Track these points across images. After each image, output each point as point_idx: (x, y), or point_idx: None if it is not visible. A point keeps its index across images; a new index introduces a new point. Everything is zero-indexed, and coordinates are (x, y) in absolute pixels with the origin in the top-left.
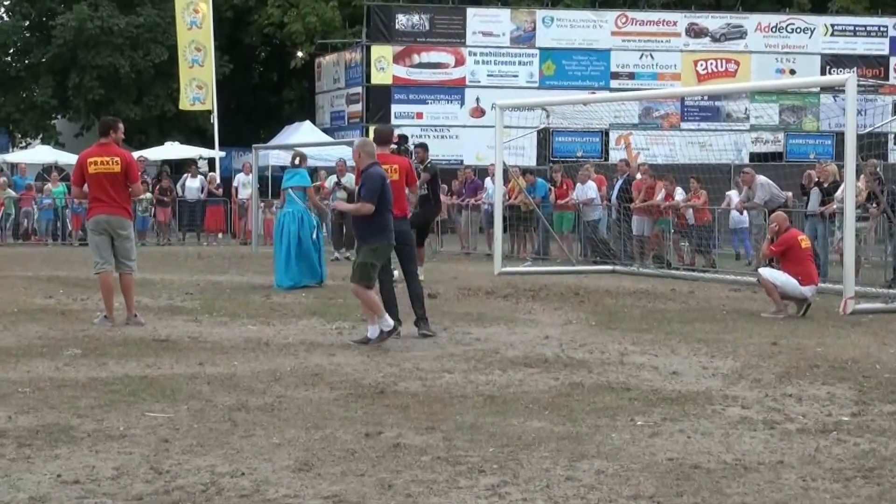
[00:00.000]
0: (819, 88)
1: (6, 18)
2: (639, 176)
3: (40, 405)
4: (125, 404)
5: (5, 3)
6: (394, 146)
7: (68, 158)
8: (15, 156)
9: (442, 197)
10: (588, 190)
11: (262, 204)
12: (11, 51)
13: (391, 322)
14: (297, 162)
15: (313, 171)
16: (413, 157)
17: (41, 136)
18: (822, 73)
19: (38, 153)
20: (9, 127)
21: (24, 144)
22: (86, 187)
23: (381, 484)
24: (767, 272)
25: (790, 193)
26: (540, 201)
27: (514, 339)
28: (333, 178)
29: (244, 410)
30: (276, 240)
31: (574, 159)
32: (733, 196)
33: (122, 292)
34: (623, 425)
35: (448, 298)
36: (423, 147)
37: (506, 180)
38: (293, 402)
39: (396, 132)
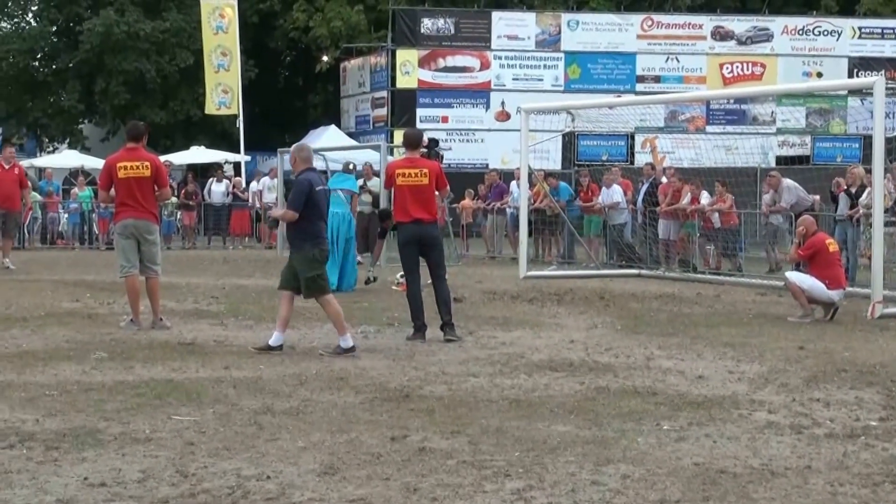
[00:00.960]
0: (846, 91)
1: (34, 24)
2: (664, 179)
3: (67, 408)
4: (151, 408)
5: (33, 8)
6: (423, 150)
7: (95, 163)
8: (42, 160)
9: (467, 201)
10: (613, 193)
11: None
12: (39, 56)
13: (351, 342)
14: (350, 168)
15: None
16: (441, 160)
17: (68, 140)
18: (850, 75)
19: (66, 158)
20: (36, 132)
21: (51, 149)
22: (112, 191)
23: (406, 488)
24: (794, 276)
25: (817, 197)
26: (564, 205)
27: (539, 343)
28: (359, 182)
29: (270, 414)
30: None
31: (599, 163)
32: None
33: (148, 296)
34: (649, 430)
35: (473, 302)
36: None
37: (531, 184)
38: (318, 406)
39: (426, 136)
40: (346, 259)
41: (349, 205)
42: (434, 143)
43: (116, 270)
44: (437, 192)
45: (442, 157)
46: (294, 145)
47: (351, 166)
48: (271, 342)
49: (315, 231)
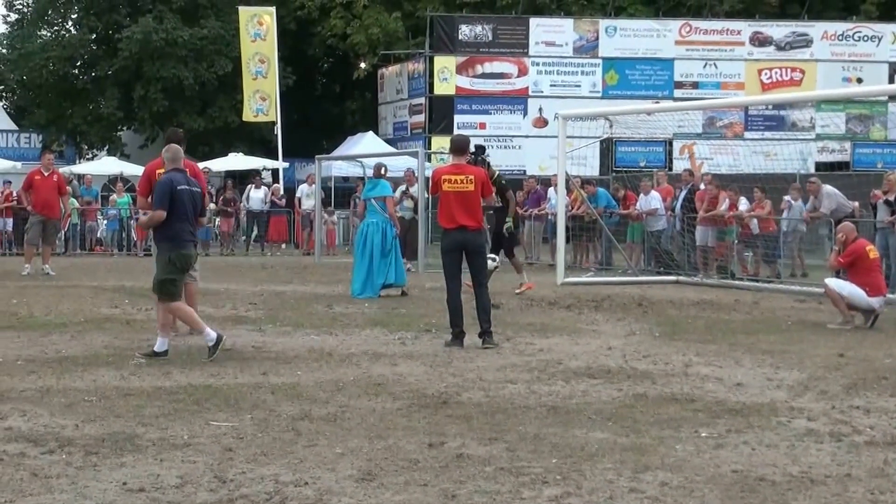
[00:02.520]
0: (887, 97)
1: (73, 32)
2: (702, 186)
3: (106, 414)
4: (189, 413)
5: (72, 16)
6: (470, 156)
7: (134, 169)
8: (82, 167)
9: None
10: (651, 200)
11: (325, 214)
12: (78, 63)
13: (213, 335)
14: (381, 172)
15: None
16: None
17: (107, 147)
18: (891, 81)
19: (104, 164)
20: (76, 139)
21: (90, 156)
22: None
23: (444, 494)
24: (834, 282)
25: (857, 203)
26: (602, 211)
27: (577, 349)
28: (402, 188)
29: (307, 420)
30: (357, 249)
31: (637, 169)
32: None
33: (185, 301)
34: (687, 437)
35: (511, 309)
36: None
37: (568, 190)
38: (356, 412)
39: (473, 143)
40: (387, 260)
41: (385, 212)
42: (481, 149)
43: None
44: (482, 199)
45: (489, 163)
46: (165, 147)
47: (383, 170)
48: (156, 348)
49: (173, 233)
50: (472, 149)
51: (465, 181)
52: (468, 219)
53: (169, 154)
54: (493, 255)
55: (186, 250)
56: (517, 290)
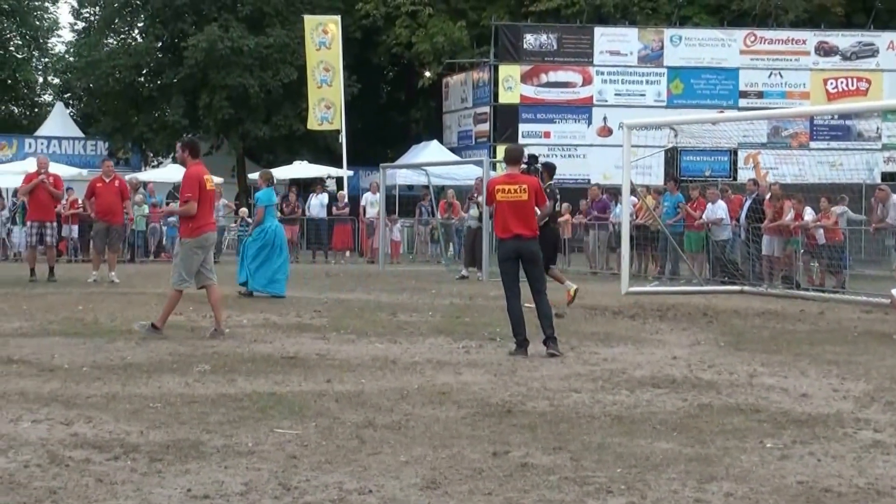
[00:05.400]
0: None
1: (140, 40)
2: (768, 196)
3: (171, 420)
4: (254, 420)
5: (139, 24)
6: (524, 166)
7: None
8: (147, 174)
9: (566, 215)
10: (717, 209)
11: (389, 222)
12: (144, 72)
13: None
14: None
15: (440, 190)
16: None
17: (172, 154)
18: None
19: (169, 172)
20: (141, 146)
21: (155, 163)
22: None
23: (508, 503)
24: None
25: None
26: (674, 220)
27: (641, 359)
28: (473, 194)
29: (372, 428)
30: (268, 248)
31: (702, 179)
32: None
33: (212, 305)
34: (752, 447)
35: (575, 318)
36: (547, 169)
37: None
38: (420, 421)
39: (527, 151)
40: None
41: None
42: (534, 158)
43: (173, 280)
44: (536, 208)
45: (541, 173)
46: None
47: (265, 182)
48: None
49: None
50: (525, 158)
51: (518, 190)
52: (523, 228)
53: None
54: None
55: None
56: (567, 300)
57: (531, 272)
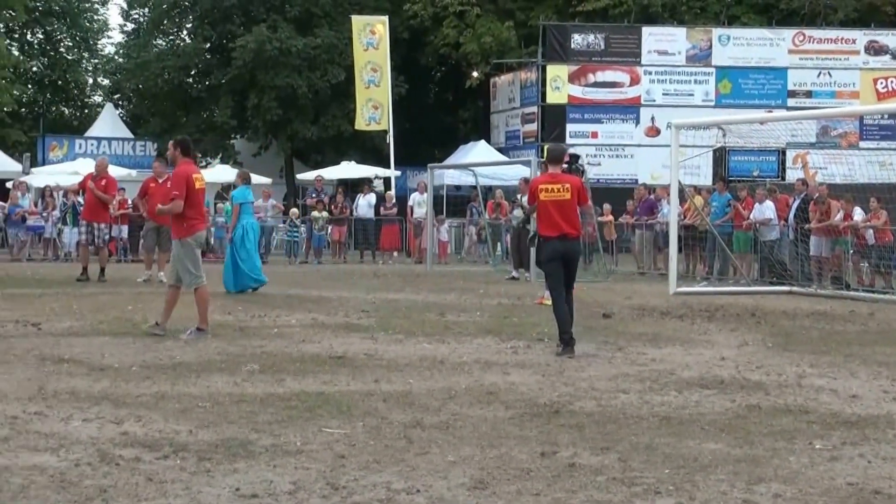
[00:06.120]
0: None
1: (188, 41)
2: (815, 196)
3: (220, 420)
4: (302, 420)
5: (187, 26)
6: (565, 165)
7: None
8: None
9: (608, 217)
10: (765, 209)
11: (437, 222)
12: (193, 72)
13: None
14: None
15: (488, 190)
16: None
17: (220, 155)
18: None
19: (218, 172)
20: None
21: (204, 164)
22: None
23: (556, 503)
24: None
25: None
26: (721, 221)
27: (689, 359)
28: (518, 196)
29: (419, 428)
30: (243, 246)
31: (750, 179)
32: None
33: (167, 304)
34: (801, 448)
35: (623, 318)
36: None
37: (682, 199)
38: (468, 421)
39: (568, 151)
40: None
41: (251, 216)
42: (576, 158)
43: (186, 283)
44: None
45: (583, 171)
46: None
47: (240, 180)
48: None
49: None
50: (566, 157)
51: (561, 190)
52: (568, 226)
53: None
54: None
55: None
56: (537, 300)
57: (570, 271)
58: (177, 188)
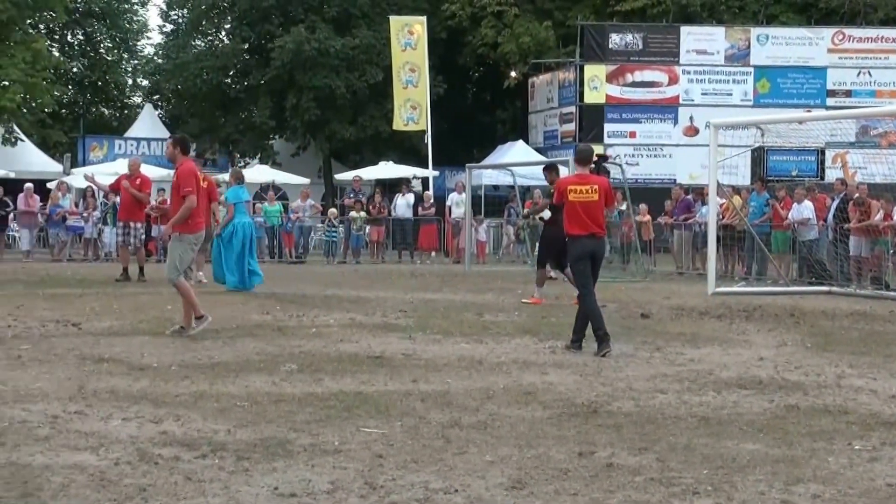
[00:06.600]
0: None
1: (227, 42)
2: (854, 197)
3: (258, 419)
4: (340, 420)
5: (226, 26)
6: (591, 166)
7: (285, 178)
8: None
9: (646, 216)
10: (803, 209)
11: (475, 222)
12: (231, 73)
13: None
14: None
15: (526, 190)
16: (609, 175)
17: (259, 155)
18: None
19: (257, 173)
20: (228, 147)
21: (242, 164)
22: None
23: (594, 503)
24: None
25: None
26: (760, 221)
27: (728, 360)
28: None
29: (457, 427)
30: (235, 245)
31: (789, 178)
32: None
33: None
34: (840, 449)
35: (661, 318)
36: (550, 170)
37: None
38: (506, 421)
39: (596, 151)
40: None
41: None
42: (604, 158)
43: (169, 275)
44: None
45: (609, 172)
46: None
47: (236, 179)
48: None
49: None
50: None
51: (590, 191)
52: (597, 227)
53: None
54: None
55: None
56: (524, 299)
57: (595, 270)
58: (189, 185)
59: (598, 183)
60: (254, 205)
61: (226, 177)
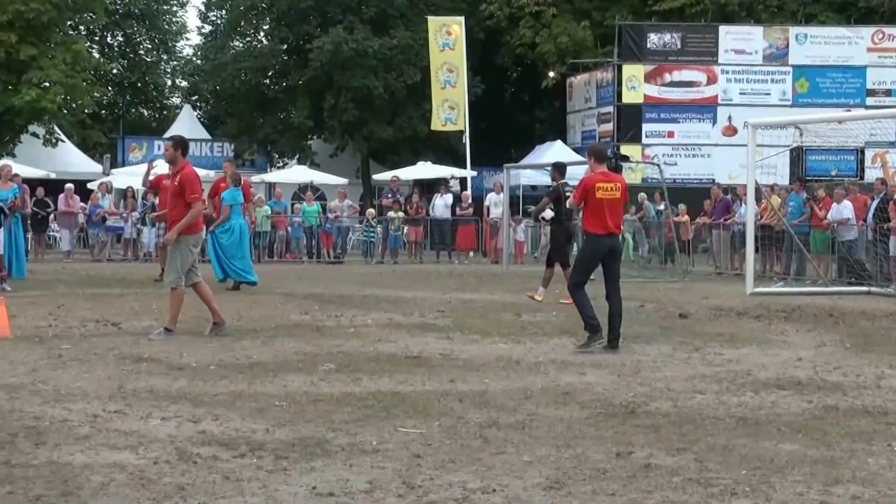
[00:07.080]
0: None
1: (265, 42)
2: (895, 197)
3: (296, 419)
4: (378, 419)
5: (264, 27)
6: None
7: (324, 178)
8: (273, 175)
9: (684, 217)
10: (843, 209)
11: (513, 223)
12: (270, 74)
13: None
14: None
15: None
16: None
17: (297, 156)
18: None
19: (295, 173)
20: (267, 147)
21: (281, 164)
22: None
23: None
24: None
25: None
26: (798, 221)
27: (766, 360)
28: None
29: (495, 427)
30: (236, 244)
31: (828, 178)
32: None
33: (205, 301)
34: (880, 450)
35: (699, 318)
36: (557, 168)
37: (758, 199)
38: (544, 421)
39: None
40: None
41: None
42: (625, 158)
43: (169, 280)
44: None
45: (621, 168)
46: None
47: (235, 181)
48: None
49: None
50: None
51: (614, 189)
52: (615, 226)
53: None
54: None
55: None
56: (529, 294)
57: (615, 267)
58: (195, 190)
59: (619, 181)
60: (292, 205)
61: (264, 177)
